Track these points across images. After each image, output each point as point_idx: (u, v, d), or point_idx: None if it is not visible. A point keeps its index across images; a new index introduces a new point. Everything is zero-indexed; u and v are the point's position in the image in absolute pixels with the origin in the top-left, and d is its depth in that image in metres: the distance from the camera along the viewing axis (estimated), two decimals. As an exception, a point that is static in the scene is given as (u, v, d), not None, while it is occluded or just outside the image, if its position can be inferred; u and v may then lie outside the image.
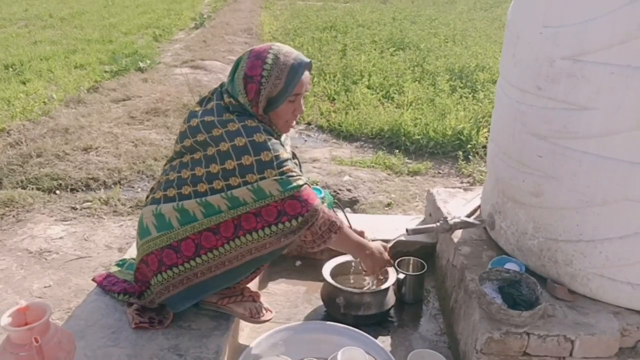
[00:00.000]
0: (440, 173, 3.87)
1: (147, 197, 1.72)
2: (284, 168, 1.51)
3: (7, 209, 2.98)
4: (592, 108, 1.46)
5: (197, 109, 1.65)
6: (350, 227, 1.84)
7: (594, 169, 1.50)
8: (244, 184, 1.50)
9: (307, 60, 1.61)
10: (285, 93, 1.57)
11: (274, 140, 1.54)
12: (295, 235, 1.53)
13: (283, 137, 1.73)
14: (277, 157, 1.51)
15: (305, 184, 1.55)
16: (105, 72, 6.32)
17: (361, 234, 1.87)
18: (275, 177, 1.49)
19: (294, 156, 1.79)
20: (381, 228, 2.31)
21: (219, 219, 1.53)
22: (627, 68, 1.37)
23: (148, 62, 6.67)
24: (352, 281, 2.05)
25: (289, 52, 1.59)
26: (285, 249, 1.59)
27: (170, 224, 1.57)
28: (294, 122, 1.67)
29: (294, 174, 1.52)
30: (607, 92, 1.42)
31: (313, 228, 1.54)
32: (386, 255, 1.82)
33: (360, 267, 1.89)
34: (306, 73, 1.61)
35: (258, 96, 1.57)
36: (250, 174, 1.49)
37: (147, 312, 1.69)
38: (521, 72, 1.66)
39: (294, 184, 1.50)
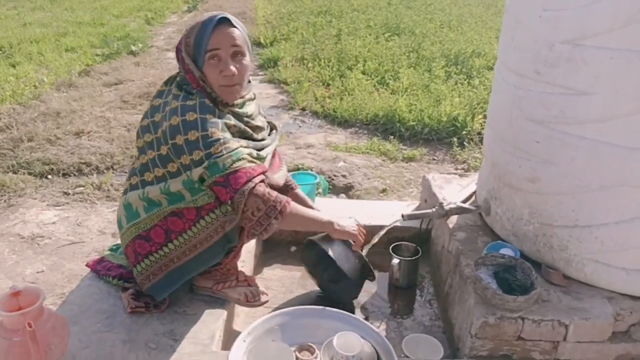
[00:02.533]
0: (434, 159, 3.87)
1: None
2: (212, 148, 1.40)
3: (-2, 193, 2.95)
4: (591, 93, 1.45)
5: (163, 88, 1.61)
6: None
7: (592, 155, 1.50)
8: (183, 167, 1.45)
9: (221, 15, 1.49)
10: (199, 50, 1.47)
11: (209, 120, 1.43)
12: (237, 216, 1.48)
13: (252, 109, 1.64)
14: (204, 136, 1.40)
15: (236, 163, 1.42)
16: (97, 55, 6.23)
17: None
18: (204, 165, 1.41)
19: (271, 130, 1.73)
20: (377, 214, 2.31)
21: (180, 205, 1.51)
22: (627, 52, 1.36)
23: (140, 45, 6.58)
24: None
25: (209, 14, 1.51)
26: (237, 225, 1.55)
27: (137, 212, 1.56)
28: (235, 86, 1.52)
29: (222, 153, 1.41)
30: (606, 77, 1.41)
31: (245, 214, 1.44)
32: (353, 222, 1.71)
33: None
34: (224, 27, 1.48)
35: (183, 62, 1.51)
36: (184, 155, 1.43)
37: (142, 297, 1.69)
38: (520, 56, 1.64)
39: (220, 165, 1.41)
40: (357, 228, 1.71)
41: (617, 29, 1.36)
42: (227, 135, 1.46)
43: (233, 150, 1.44)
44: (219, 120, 1.46)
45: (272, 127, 1.80)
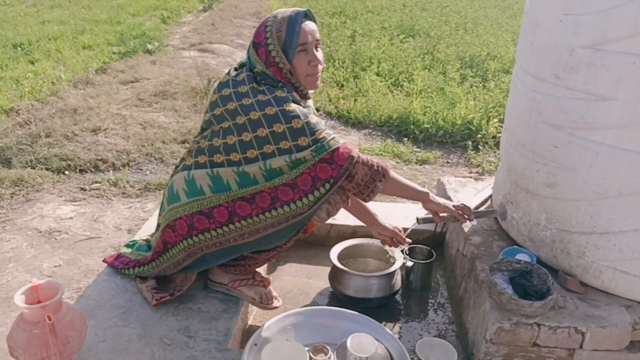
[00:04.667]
0: (449, 162, 3.85)
1: (177, 166, 1.75)
2: (317, 134, 1.53)
3: (16, 188, 2.99)
4: (612, 98, 1.44)
5: (226, 79, 1.66)
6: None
7: (611, 161, 1.48)
8: (279, 151, 1.52)
9: (304, 9, 1.62)
10: (291, 44, 1.58)
11: (303, 108, 1.56)
12: (328, 196, 1.56)
13: (311, 103, 1.74)
14: (307, 123, 1.53)
15: (337, 142, 1.55)
16: (114, 53, 6.28)
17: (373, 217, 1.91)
18: (312, 149, 1.51)
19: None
20: (390, 216, 2.30)
21: (254, 189, 1.55)
22: (650, 58, 1.34)
23: (156, 44, 6.62)
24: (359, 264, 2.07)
25: (287, 9, 1.63)
26: (318, 211, 1.62)
27: (201, 190, 1.59)
28: (318, 75, 1.66)
29: (326, 136, 1.55)
30: (627, 82, 1.40)
31: (355, 180, 1.56)
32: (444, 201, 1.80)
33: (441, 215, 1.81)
34: (308, 22, 1.61)
35: (269, 56, 1.58)
36: (284, 140, 1.52)
37: (163, 286, 1.71)
38: (539, 60, 1.63)
39: (326, 147, 1.53)
40: (450, 204, 1.77)
41: (638, 34, 1.34)
42: (318, 118, 1.60)
43: (332, 135, 1.57)
44: (309, 108, 1.61)
45: None
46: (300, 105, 1.59)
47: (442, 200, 1.75)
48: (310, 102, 1.73)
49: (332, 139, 1.56)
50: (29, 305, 1.31)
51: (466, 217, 1.77)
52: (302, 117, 1.52)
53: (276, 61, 1.58)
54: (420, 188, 1.74)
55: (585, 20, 1.46)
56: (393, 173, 1.65)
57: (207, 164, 1.60)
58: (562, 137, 1.58)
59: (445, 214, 1.77)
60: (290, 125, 1.51)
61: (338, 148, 1.54)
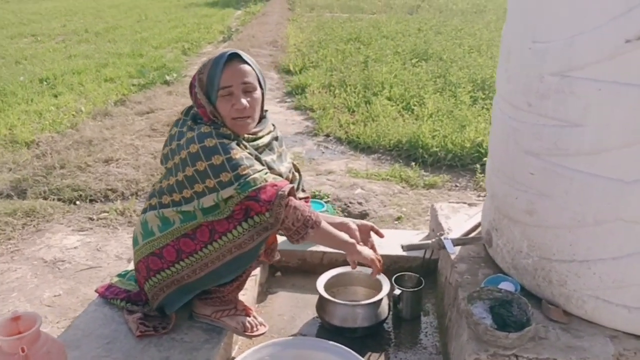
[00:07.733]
0: (457, 186, 3.81)
1: None
2: (239, 169, 1.49)
3: (28, 218, 3.11)
4: (582, 125, 1.43)
5: (178, 117, 1.71)
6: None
7: (586, 188, 1.46)
8: (208, 190, 1.52)
9: (232, 51, 1.58)
10: (212, 87, 1.57)
11: (228, 144, 1.52)
12: (268, 231, 1.56)
13: (264, 141, 1.70)
14: (229, 159, 1.49)
15: (264, 179, 1.51)
16: (133, 85, 6.52)
17: (342, 224, 1.80)
18: (235, 186, 1.49)
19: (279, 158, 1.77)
20: (384, 243, 2.28)
21: (194, 224, 1.57)
22: (614, 84, 1.33)
23: (174, 75, 6.85)
24: (347, 293, 2.06)
25: (220, 51, 1.61)
26: (262, 245, 1.61)
27: (152, 231, 1.65)
28: (247, 118, 1.60)
29: (249, 172, 1.50)
30: (595, 109, 1.39)
31: (285, 224, 1.53)
32: (370, 252, 1.77)
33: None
34: (235, 64, 1.57)
35: (196, 97, 1.62)
36: (208, 179, 1.51)
37: (150, 320, 1.74)
38: (513, 87, 1.64)
39: (251, 183, 1.49)
40: (374, 256, 1.77)
41: (603, 61, 1.34)
42: (246, 154, 1.56)
43: (259, 171, 1.53)
44: (233, 143, 1.55)
45: (297, 170, 1.87)
46: (229, 139, 1.54)
47: (366, 251, 1.73)
48: (262, 140, 1.68)
49: (258, 175, 1.51)
50: (7, 336, 1.35)
51: (378, 268, 1.74)
52: (222, 153, 1.49)
53: (202, 103, 1.60)
54: (347, 238, 1.68)
55: (552, 48, 1.46)
56: (324, 222, 1.62)
57: (157, 205, 1.65)
58: (537, 164, 1.57)
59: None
60: (210, 162, 1.49)
61: (265, 186, 1.50)
